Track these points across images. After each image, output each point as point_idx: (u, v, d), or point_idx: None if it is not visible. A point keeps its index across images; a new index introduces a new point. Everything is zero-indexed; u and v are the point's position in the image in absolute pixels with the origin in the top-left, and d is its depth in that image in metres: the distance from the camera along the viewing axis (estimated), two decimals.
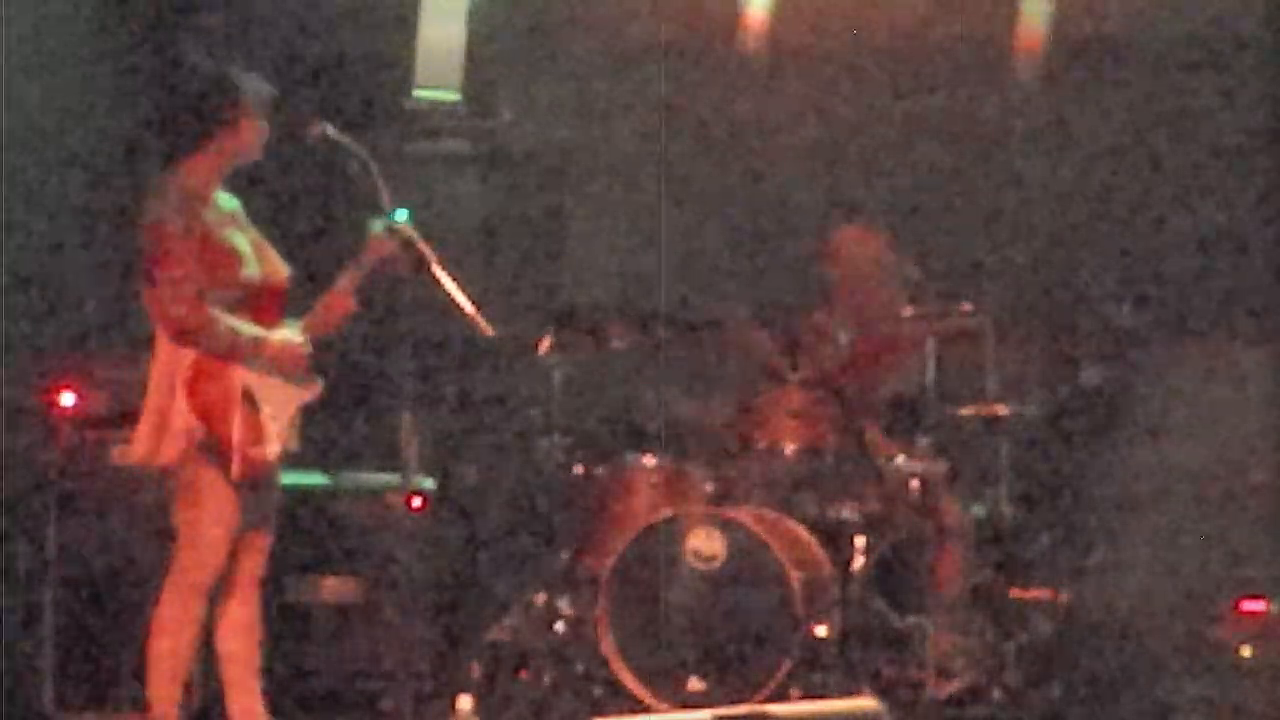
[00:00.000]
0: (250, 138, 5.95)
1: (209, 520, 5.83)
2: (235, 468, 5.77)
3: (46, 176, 7.59)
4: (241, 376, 5.81)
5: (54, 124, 7.62)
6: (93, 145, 7.93)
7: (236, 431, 5.77)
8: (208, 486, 5.80)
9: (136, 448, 5.86)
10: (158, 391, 5.81)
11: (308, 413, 6.03)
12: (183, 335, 5.76)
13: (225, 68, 5.97)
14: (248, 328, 5.84)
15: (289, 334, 5.94)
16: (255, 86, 5.97)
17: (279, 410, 5.89)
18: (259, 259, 5.94)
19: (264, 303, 5.92)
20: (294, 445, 6.00)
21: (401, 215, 6.05)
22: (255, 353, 5.84)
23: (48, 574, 6.75)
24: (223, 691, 6.07)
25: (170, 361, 5.80)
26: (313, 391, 6.01)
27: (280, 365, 5.89)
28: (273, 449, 5.87)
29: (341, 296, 6.03)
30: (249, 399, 5.81)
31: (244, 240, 5.93)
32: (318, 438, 6.25)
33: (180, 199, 5.81)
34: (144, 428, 5.84)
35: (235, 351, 5.80)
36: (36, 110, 7.50)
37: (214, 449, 5.77)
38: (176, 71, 6.06)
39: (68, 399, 6.82)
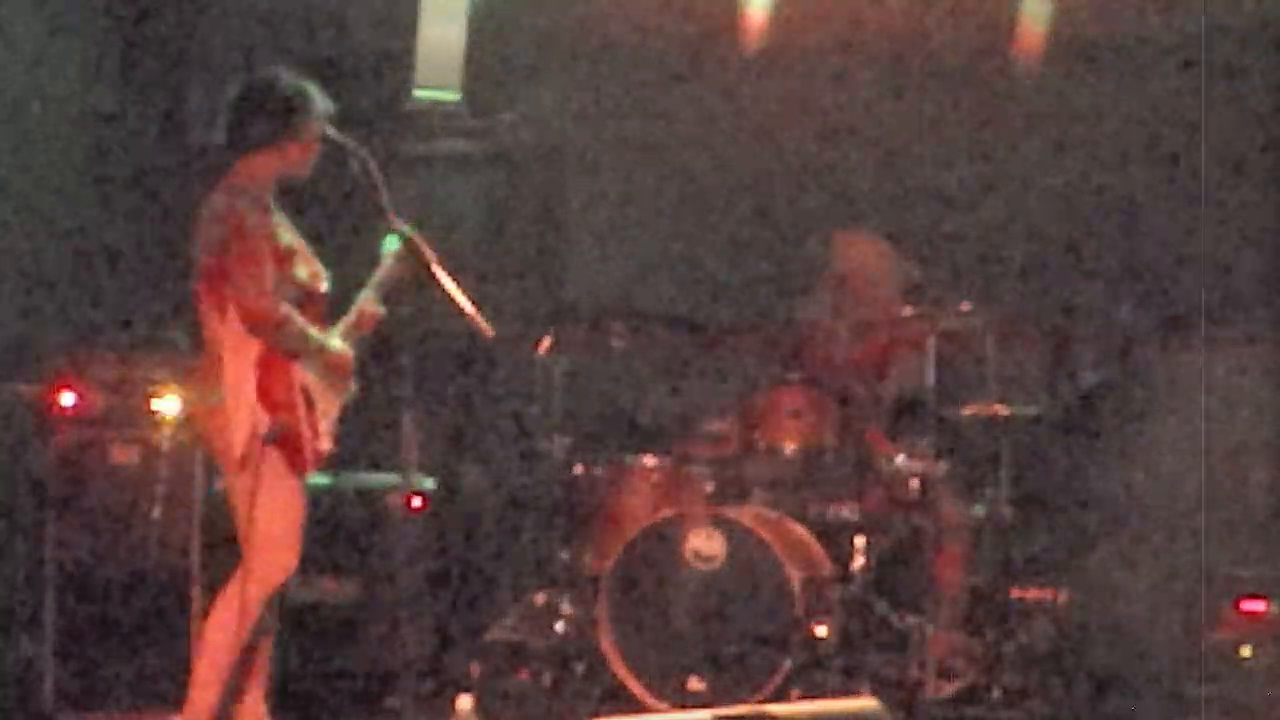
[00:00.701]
0: (307, 152, 6.01)
1: (282, 515, 5.86)
2: (308, 461, 5.84)
3: (47, 175, 7.59)
4: (300, 374, 5.87)
5: (54, 122, 7.62)
6: (94, 144, 7.93)
7: (305, 427, 5.85)
8: (277, 482, 5.84)
9: (234, 444, 5.85)
10: (234, 390, 5.83)
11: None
12: (263, 329, 5.81)
13: (303, 81, 6.01)
14: (313, 329, 5.92)
15: (342, 343, 6.02)
16: (325, 105, 6.03)
17: (327, 409, 5.97)
18: (304, 261, 6.00)
19: (310, 304, 5.98)
20: (329, 446, 6.06)
21: (396, 239, 6.13)
22: (318, 354, 5.91)
23: (48, 574, 6.75)
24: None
25: (241, 358, 5.83)
26: (350, 392, 6.08)
27: (333, 371, 5.97)
28: (325, 445, 5.94)
29: (371, 308, 6.12)
30: (306, 396, 5.88)
31: (291, 242, 5.98)
32: None
33: (252, 196, 5.87)
34: (231, 423, 5.84)
35: (304, 349, 5.87)
36: (36, 109, 7.49)
37: (282, 443, 5.81)
38: (251, 72, 6.10)
39: (68, 399, 6.81)
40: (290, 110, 5.95)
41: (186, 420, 6.81)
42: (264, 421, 5.78)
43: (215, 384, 5.86)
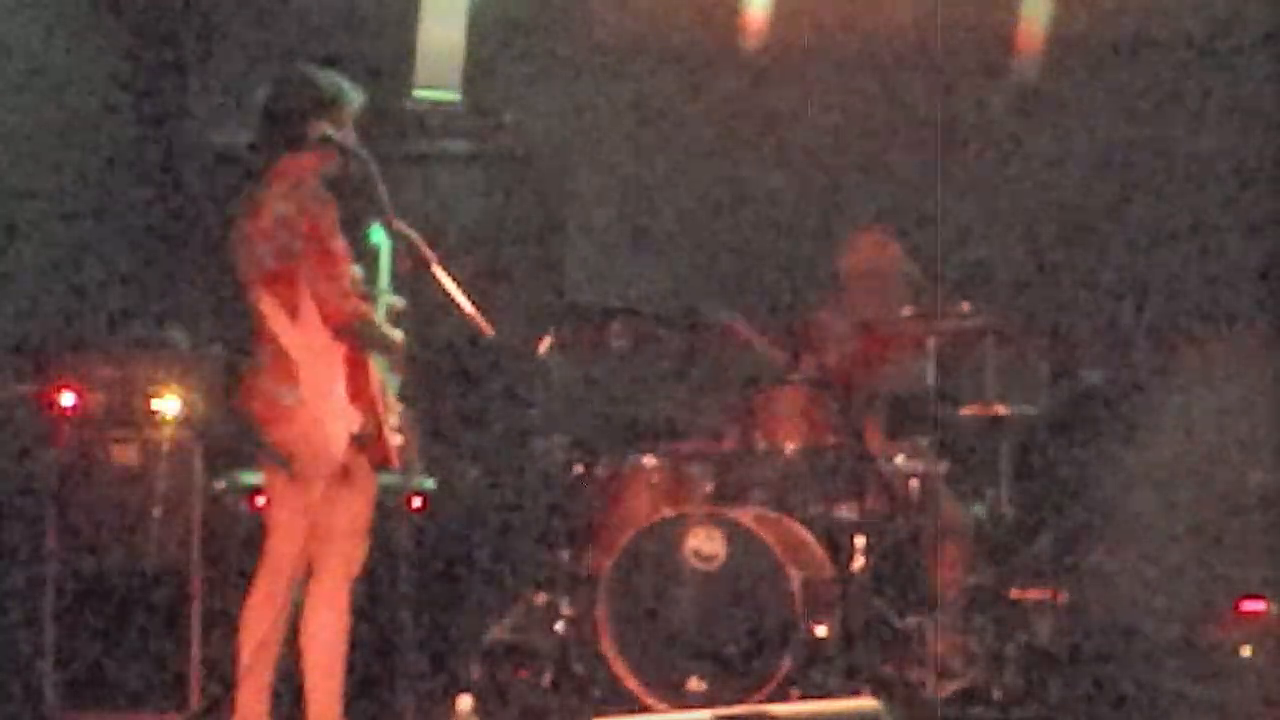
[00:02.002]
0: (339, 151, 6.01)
1: (363, 512, 5.94)
2: (393, 458, 5.89)
3: (47, 175, 7.59)
4: (374, 371, 5.92)
5: (54, 123, 7.62)
6: (94, 145, 7.93)
7: (388, 423, 5.89)
8: (362, 481, 5.89)
9: (329, 448, 5.84)
10: (320, 392, 5.81)
11: None
12: (350, 328, 5.82)
13: (337, 76, 6.00)
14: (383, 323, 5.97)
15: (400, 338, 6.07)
16: (361, 99, 6.02)
17: (391, 403, 6.00)
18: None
19: None
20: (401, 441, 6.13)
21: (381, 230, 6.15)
22: (389, 349, 5.96)
23: (48, 574, 6.75)
24: (233, 684, 6.08)
25: (322, 359, 5.82)
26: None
27: (396, 366, 6.03)
28: (398, 440, 5.98)
29: (393, 302, 6.16)
30: (382, 392, 5.92)
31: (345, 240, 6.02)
32: None
33: (318, 195, 5.84)
34: (316, 426, 5.83)
35: (381, 346, 5.92)
36: (37, 109, 7.50)
37: (368, 441, 5.83)
38: (268, 71, 6.10)
39: (68, 399, 6.81)
40: (332, 107, 5.93)
41: (186, 420, 6.82)
42: (357, 421, 5.79)
43: (283, 387, 5.82)
